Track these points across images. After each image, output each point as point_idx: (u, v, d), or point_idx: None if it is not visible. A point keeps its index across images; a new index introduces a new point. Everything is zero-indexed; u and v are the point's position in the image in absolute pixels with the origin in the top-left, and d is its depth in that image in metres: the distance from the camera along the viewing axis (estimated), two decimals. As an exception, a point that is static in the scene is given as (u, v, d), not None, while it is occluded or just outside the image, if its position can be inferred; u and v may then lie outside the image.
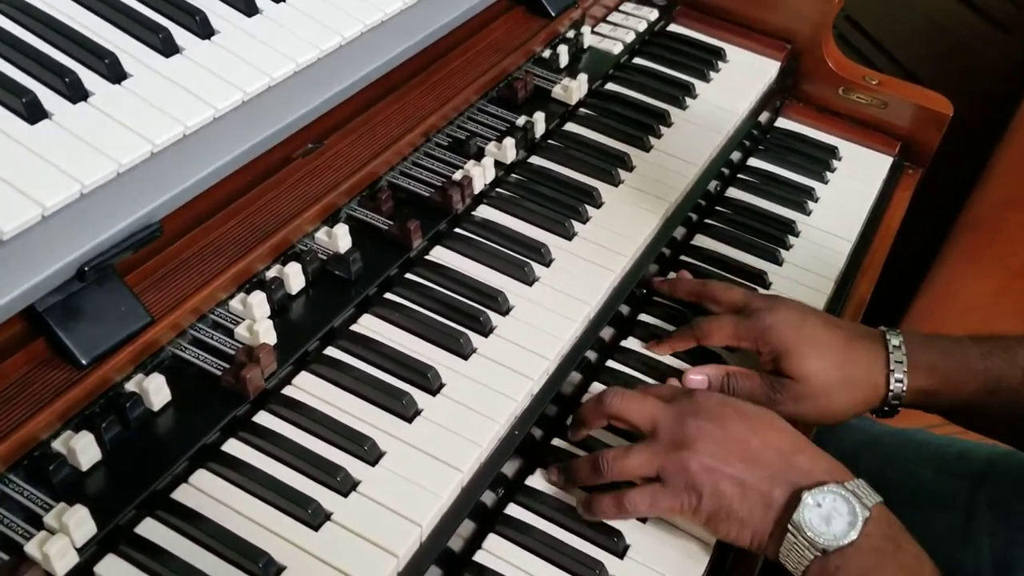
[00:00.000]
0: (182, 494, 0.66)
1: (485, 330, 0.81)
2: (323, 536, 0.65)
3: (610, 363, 0.89)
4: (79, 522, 0.59)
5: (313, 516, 0.65)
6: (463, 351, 0.79)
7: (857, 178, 1.19)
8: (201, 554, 0.62)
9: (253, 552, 0.62)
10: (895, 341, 0.83)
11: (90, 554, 0.60)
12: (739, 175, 1.16)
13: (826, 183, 1.17)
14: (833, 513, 0.67)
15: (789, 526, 0.68)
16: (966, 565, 0.90)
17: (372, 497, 0.68)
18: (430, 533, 0.68)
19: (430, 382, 0.76)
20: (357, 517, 0.66)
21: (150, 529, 0.63)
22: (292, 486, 0.67)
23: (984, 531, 0.91)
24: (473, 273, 0.86)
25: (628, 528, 0.76)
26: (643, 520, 0.77)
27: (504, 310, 0.83)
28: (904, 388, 0.82)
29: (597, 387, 0.86)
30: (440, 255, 0.87)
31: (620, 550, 0.75)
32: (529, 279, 0.86)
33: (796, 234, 1.09)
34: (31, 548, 0.58)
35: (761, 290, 0.99)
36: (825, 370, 0.81)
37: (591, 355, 0.88)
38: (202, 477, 0.67)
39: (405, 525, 0.66)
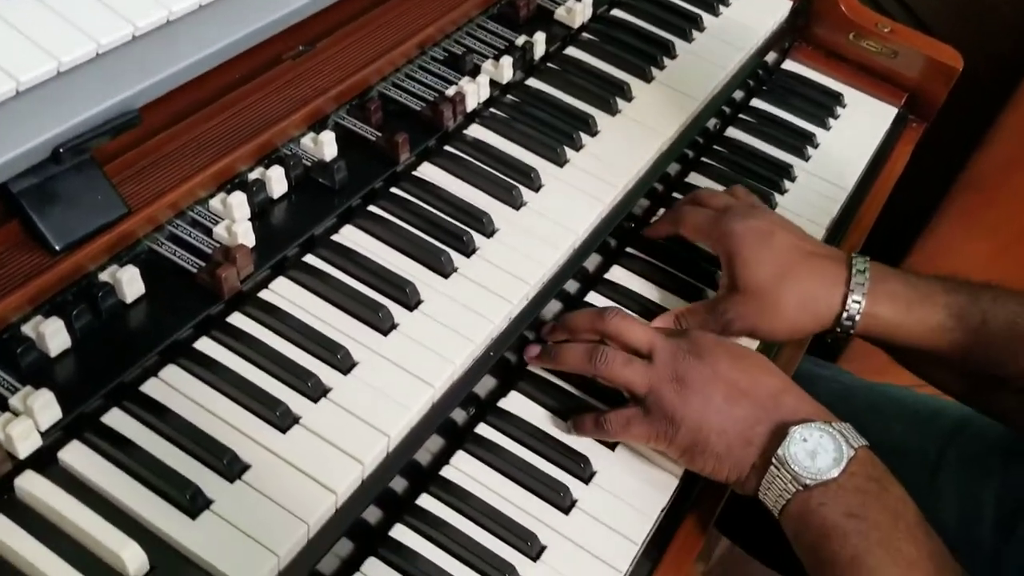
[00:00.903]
0: (151, 387, 0.66)
1: (468, 250, 0.81)
2: (290, 438, 0.66)
3: (592, 294, 0.90)
4: (44, 405, 0.60)
5: (281, 418, 0.66)
6: (444, 269, 0.79)
7: (860, 127, 1.19)
8: (166, 447, 0.63)
9: (218, 448, 0.63)
10: (860, 265, 0.83)
11: (54, 439, 0.61)
12: (740, 115, 1.16)
13: (828, 129, 1.17)
14: (819, 448, 0.69)
15: (773, 459, 0.70)
16: (930, 519, 0.92)
17: (342, 404, 0.69)
18: (398, 444, 0.69)
19: (408, 297, 0.76)
20: (325, 423, 0.67)
21: (116, 419, 0.64)
22: (262, 387, 0.68)
23: (950, 486, 0.93)
24: (460, 192, 0.86)
25: (595, 456, 0.77)
26: (611, 447, 0.78)
27: (488, 232, 0.84)
28: (860, 310, 0.81)
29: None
30: (427, 172, 0.87)
31: (586, 476, 0.76)
32: (516, 203, 0.86)
33: (792, 179, 1.09)
34: (-5, 428, 0.58)
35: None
36: (777, 283, 0.81)
37: (573, 285, 0.88)
38: (172, 372, 0.68)
39: (373, 434, 0.67)
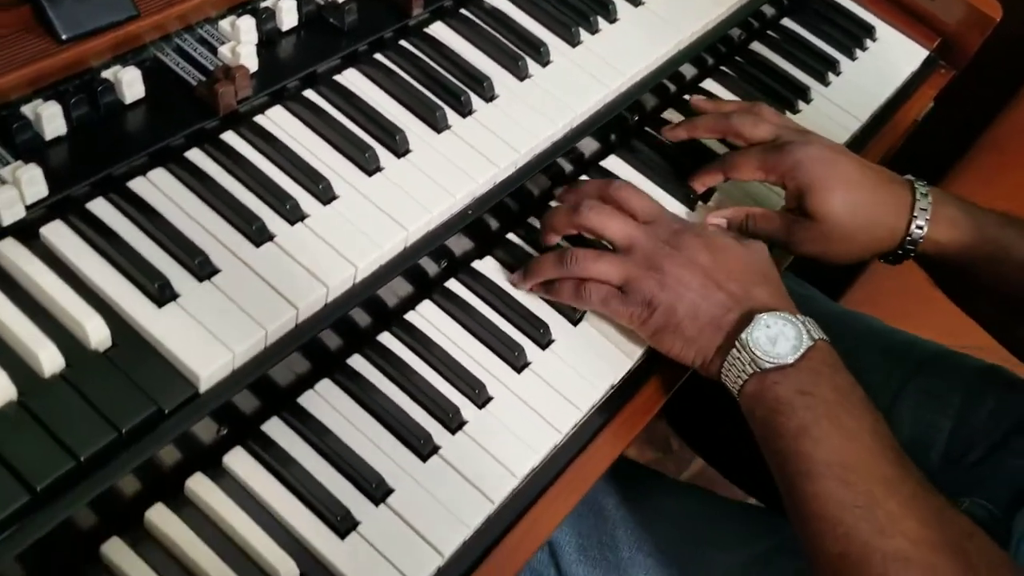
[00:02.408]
0: (137, 185, 0.69)
1: (464, 111, 0.83)
2: (262, 252, 0.69)
3: (584, 178, 0.92)
4: (31, 180, 0.63)
5: (257, 233, 0.69)
6: (437, 124, 0.81)
7: (887, 62, 1.18)
8: (143, 240, 0.67)
9: (192, 249, 0.66)
10: (923, 190, 0.86)
11: (38, 215, 0.65)
12: (768, 31, 1.16)
13: (854, 60, 1.16)
14: (780, 336, 0.72)
15: (736, 342, 0.73)
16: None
17: (316, 231, 0.72)
18: (365, 277, 0.72)
19: (397, 144, 0.78)
20: (297, 244, 0.70)
21: (101, 208, 0.67)
22: (243, 202, 0.71)
23: (907, 413, 0.96)
24: (466, 55, 0.87)
25: (556, 326, 0.80)
26: (574, 323, 0.81)
27: (488, 97, 0.85)
28: (923, 235, 0.85)
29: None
30: (438, 31, 0.88)
31: (544, 342, 0.79)
32: (521, 74, 0.88)
33: (808, 101, 1.09)
34: (-18, 193, 0.62)
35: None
36: (851, 212, 0.84)
37: (566, 165, 0.90)
38: (159, 175, 0.70)
39: (341, 262, 0.71)
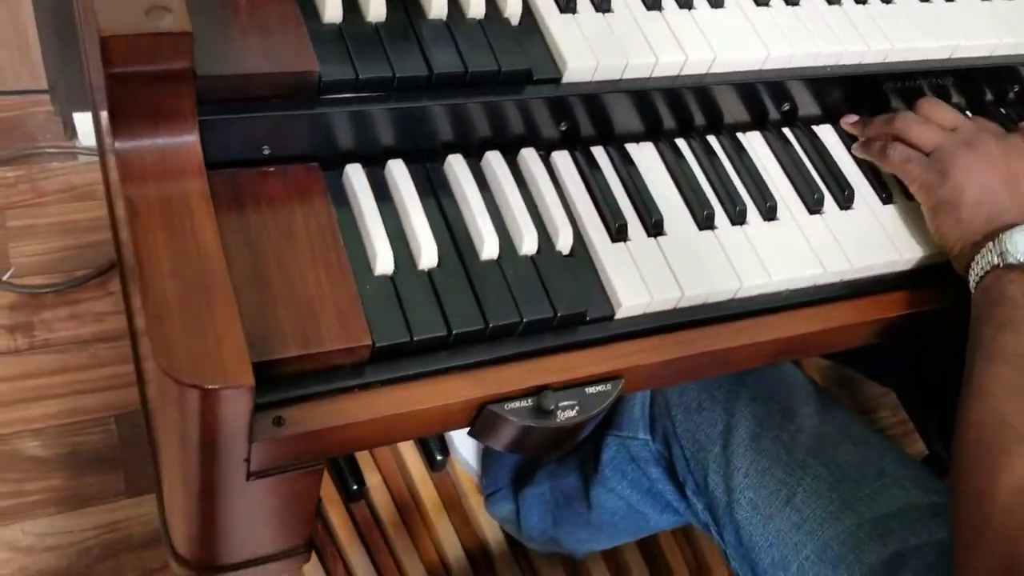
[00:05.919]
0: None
1: None
2: (611, 16, 0.85)
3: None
4: None
5: (601, 3, 0.85)
6: None
7: None
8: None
9: (600, -11, 0.84)
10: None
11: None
12: None
13: None
14: None
15: (995, 237, 0.77)
16: None
17: (668, 22, 0.86)
18: (691, 72, 0.85)
19: (790, -2, 0.91)
20: (651, 25, 0.85)
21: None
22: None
23: None
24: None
25: (864, 198, 0.89)
26: (883, 202, 0.89)
27: None
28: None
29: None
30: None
31: (844, 203, 0.88)
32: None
33: None
34: None
35: None
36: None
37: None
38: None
39: (674, 47, 0.84)
